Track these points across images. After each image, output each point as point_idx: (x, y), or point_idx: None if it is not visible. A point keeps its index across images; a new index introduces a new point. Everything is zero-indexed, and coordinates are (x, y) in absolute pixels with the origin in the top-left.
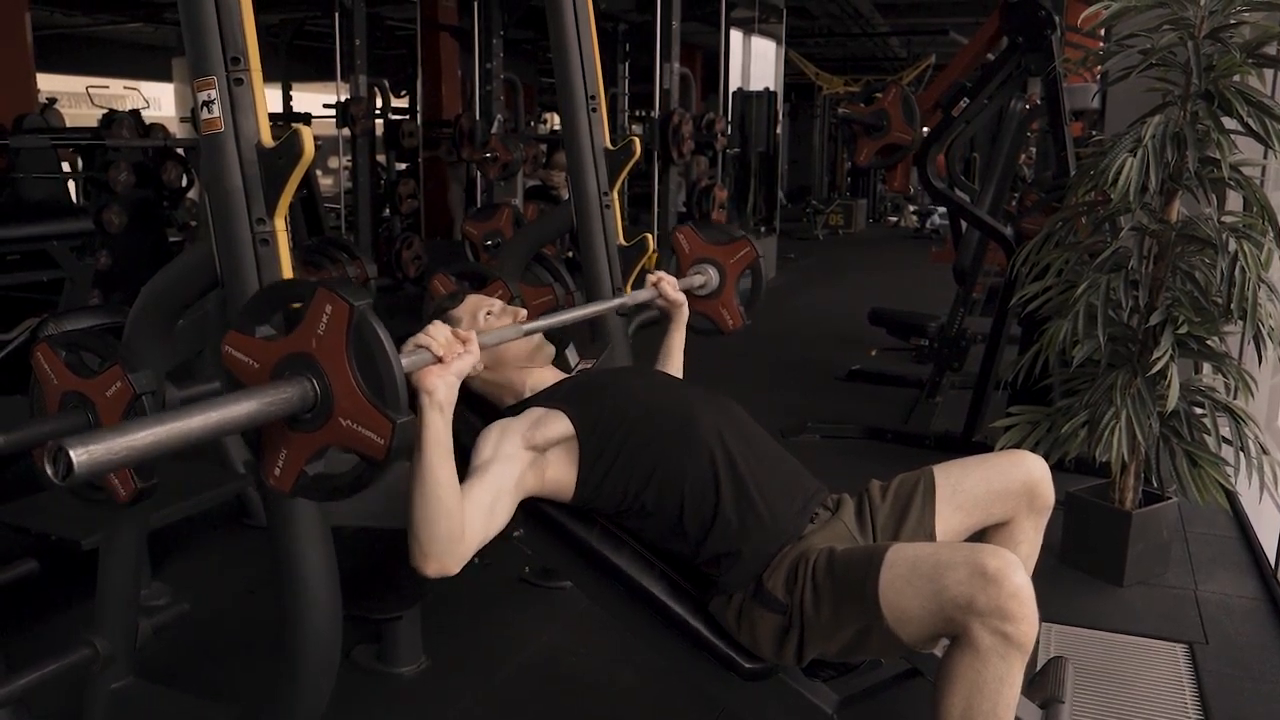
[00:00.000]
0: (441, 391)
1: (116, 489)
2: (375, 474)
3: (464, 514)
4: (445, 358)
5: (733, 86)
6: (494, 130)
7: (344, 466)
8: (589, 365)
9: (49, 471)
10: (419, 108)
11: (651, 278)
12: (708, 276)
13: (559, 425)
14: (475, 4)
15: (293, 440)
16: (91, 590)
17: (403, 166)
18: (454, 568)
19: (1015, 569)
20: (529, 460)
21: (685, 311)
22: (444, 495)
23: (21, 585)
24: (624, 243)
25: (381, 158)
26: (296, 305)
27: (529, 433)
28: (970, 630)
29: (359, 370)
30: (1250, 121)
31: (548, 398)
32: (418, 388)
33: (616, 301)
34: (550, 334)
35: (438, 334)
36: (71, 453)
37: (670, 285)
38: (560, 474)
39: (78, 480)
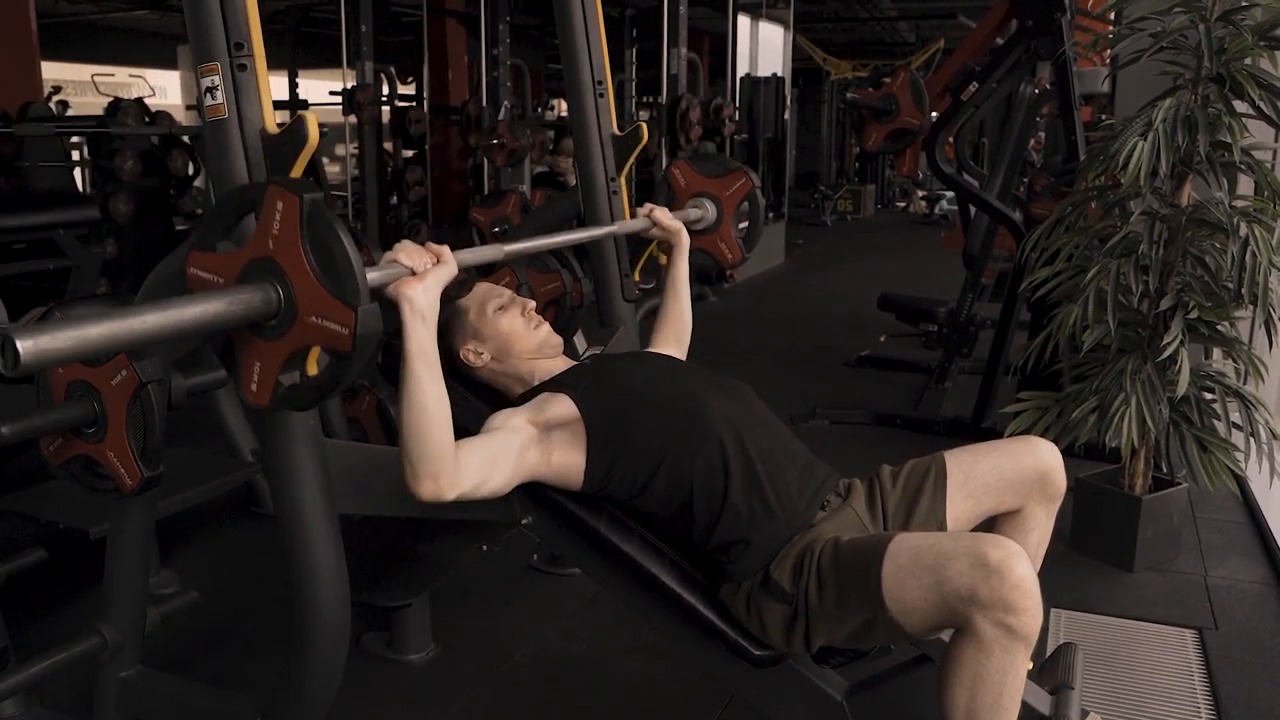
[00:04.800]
0: (420, 299)
1: (123, 478)
2: (345, 370)
3: (457, 453)
4: (417, 268)
5: (740, 72)
6: (501, 117)
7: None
8: (598, 352)
9: None
10: (426, 94)
11: (644, 209)
12: (704, 211)
13: (563, 406)
14: None
15: (264, 350)
16: (100, 579)
17: (410, 154)
18: (447, 492)
19: (1018, 560)
20: (533, 435)
21: (686, 239)
22: (431, 407)
23: (30, 574)
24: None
25: (388, 145)
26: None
27: (534, 412)
28: (973, 622)
29: (317, 263)
30: (1262, 105)
31: (556, 385)
32: (396, 299)
33: (611, 228)
34: (557, 323)
35: (406, 247)
36: (19, 343)
37: (664, 214)
38: (568, 459)
39: (25, 370)
